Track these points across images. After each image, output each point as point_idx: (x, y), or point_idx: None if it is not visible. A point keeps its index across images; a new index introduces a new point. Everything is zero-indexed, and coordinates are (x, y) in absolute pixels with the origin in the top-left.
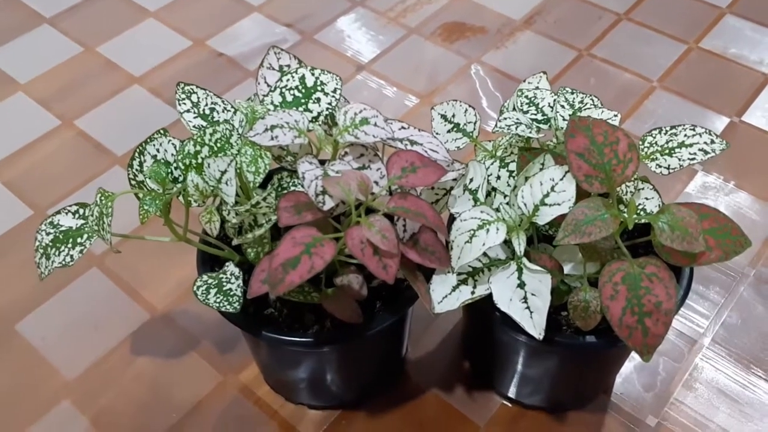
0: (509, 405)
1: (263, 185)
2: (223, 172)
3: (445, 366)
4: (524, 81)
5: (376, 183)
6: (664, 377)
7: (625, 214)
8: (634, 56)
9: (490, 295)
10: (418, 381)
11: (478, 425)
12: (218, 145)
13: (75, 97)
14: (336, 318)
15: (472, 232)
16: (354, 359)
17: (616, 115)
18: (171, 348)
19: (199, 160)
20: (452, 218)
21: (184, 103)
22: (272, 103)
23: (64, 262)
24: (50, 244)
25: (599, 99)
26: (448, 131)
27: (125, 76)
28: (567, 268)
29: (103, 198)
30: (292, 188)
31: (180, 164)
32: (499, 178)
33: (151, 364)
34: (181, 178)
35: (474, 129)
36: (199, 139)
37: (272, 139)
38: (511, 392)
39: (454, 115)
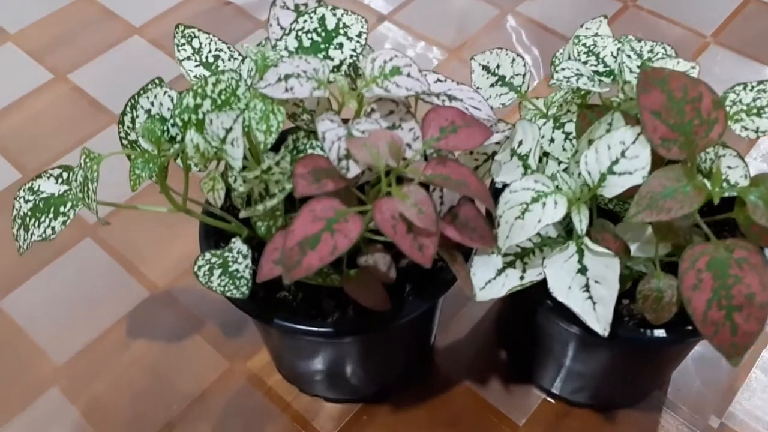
0: (552, 401)
1: (275, 148)
2: (228, 130)
3: (479, 355)
4: (581, 26)
5: (409, 146)
6: (729, 371)
7: (709, 186)
8: (686, 8)
9: (541, 282)
10: (448, 372)
11: (516, 423)
12: (222, 97)
13: (69, 48)
14: (359, 304)
15: (524, 206)
16: (378, 350)
17: (693, 67)
18: (172, 330)
19: (200, 116)
20: (494, 189)
21: (184, 49)
22: (286, 48)
23: (44, 235)
24: (29, 213)
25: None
26: (491, 85)
27: (124, 26)
28: (632, 249)
29: (88, 160)
30: (310, 151)
31: (177, 120)
32: (552, 141)
33: (150, 348)
34: (179, 138)
35: (523, 82)
36: (200, 91)
37: (287, 90)
38: (555, 387)
39: (498, 66)
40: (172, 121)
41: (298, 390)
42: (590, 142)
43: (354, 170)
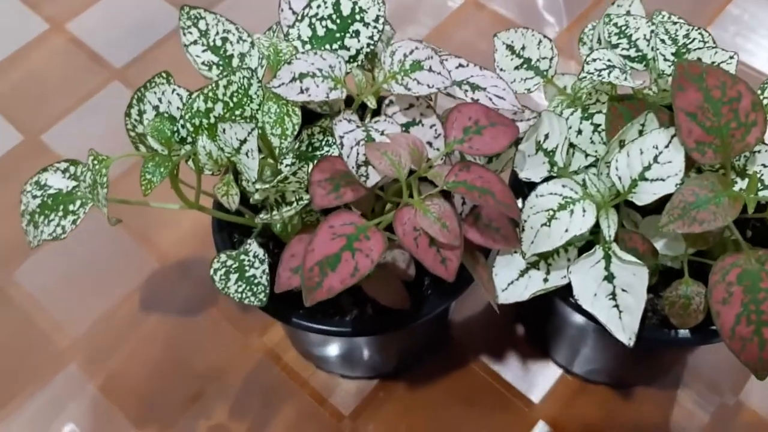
0: (569, 377)
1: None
2: (243, 141)
3: (496, 330)
4: (613, 4)
5: (430, 144)
6: None
7: (740, 191)
8: None
9: (566, 285)
10: (465, 347)
11: (532, 401)
12: (234, 99)
13: None
14: (378, 302)
15: (551, 212)
16: (396, 340)
17: (732, 57)
18: (186, 303)
19: (212, 120)
20: (516, 180)
21: (190, 32)
22: (299, 37)
23: (54, 234)
24: (37, 210)
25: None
26: (516, 68)
27: None
28: (659, 246)
29: (96, 162)
30: (326, 149)
31: (188, 124)
32: (580, 132)
33: (164, 323)
34: (189, 139)
35: (550, 67)
36: (210, 94)
37: (302, 92)
38: (570, 365)
39: (524, 47)
40: (182, 122)
41: (314, 366)
42: (621, 143)
43: (374, 178)
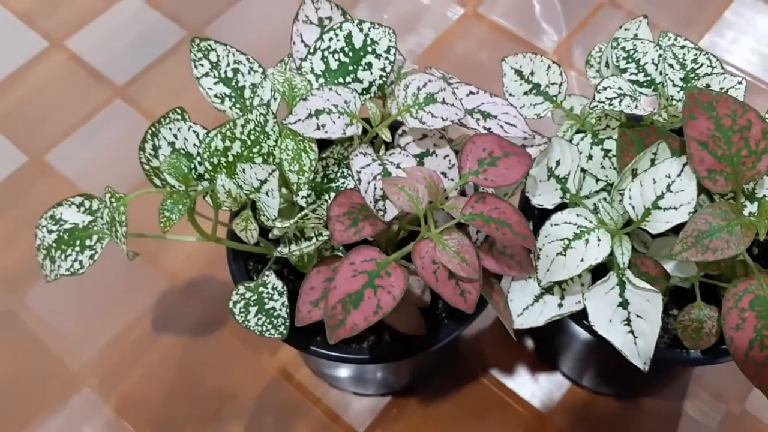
0: (577, 389)
1: None
2: (263, 182)
3: (504, 344)
4: (620, 28)
5: (444, 174)
6: None
7: (752, 215)
8: None
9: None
10: (474, 362)
11: (542, 413)
12: (252, 137)
13: (63, 10)
14: (395, 329)
15: (566, 242)
16: (411, 363)
17: (740, 82)
18: (196, 323)
19: (230, 158)
20: (527, 203)
21: (201, 65)
22: (312, 71)
23: (72, 270)
24: (54, 245)
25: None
26: (525, 93)
27: None
28: (669, 267)
29: (114, 200)
30: (341, 180)
31: (206, 163)
32: (590, 157)
33: (176, 343)
34: (207, 176)
35: (559, 92)
36: (228, 133)
37: (318, 128)
38: (580, 378)
39: (532, 73)
40: (199, 159)
41: (327, 384)
42: (634, 172)
43: (391, 212)
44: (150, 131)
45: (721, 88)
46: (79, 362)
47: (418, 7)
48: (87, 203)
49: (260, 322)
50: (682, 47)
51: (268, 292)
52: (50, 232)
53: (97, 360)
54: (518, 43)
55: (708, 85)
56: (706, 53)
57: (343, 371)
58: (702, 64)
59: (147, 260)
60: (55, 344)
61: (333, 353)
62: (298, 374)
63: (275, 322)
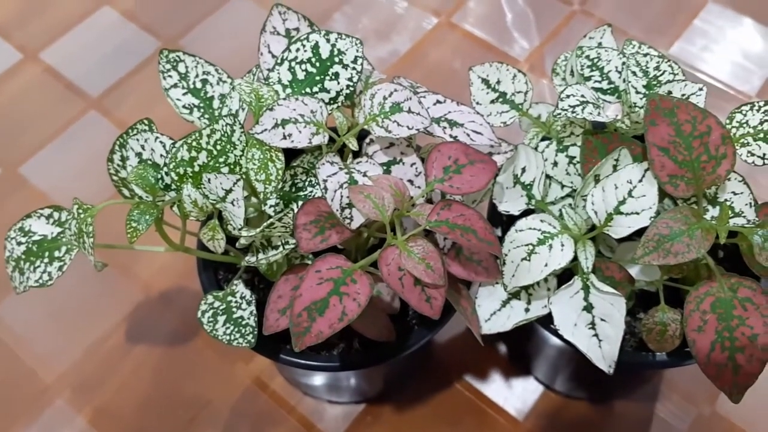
0: (551, 394)
1: None
2: (228, 191)
3: (478, 350)
4: (585, 36)
5: (411, 182)
6: None
7: (713, 219)
8: None
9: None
10: (448, 368)
11: (516, 418)
12: (218, 147)
13: (38, 22)
14: (365, 335)
15: (530, 247)
16: (383, 370)
17: (701, 89)
18: (171, 333)
19: (196, 168)
20: (495, 210)
21: (170, 76)
22: (279, 81)
23: (41, 281)
24: (23, 256)
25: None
26: (492, 101)
27: None
28: (634, 271)
29: (81, 211)
30: (309, 189)
31: (172, 174)
32: (555, 164)
33: (150, 354)
34: (173, 185)
35: (524, 101)
36: (194, 143)
37: (285, 138)
38: (553, 382)
39: (499, 82)
40: (165, 170)
41: (301, 392)
42: (596, 178)
43: (358, 220)
44: (118, 142)
45: (683, 95)
46: (53, 374)
47: (393, 17)
48: (56, 215)
49: (228, 331)
50: (645, 55)
51: (236, 302)
52: (19, 243)
53: (70, 371)
54: (491, 52)
55: (670, 92)
56: (669, 61)
57: (317, 379)
58: (664, 72)
59: (120, 271)
60: (28, 356)
61: (302, 361)
62: (273, 383)
63: (243, 331)
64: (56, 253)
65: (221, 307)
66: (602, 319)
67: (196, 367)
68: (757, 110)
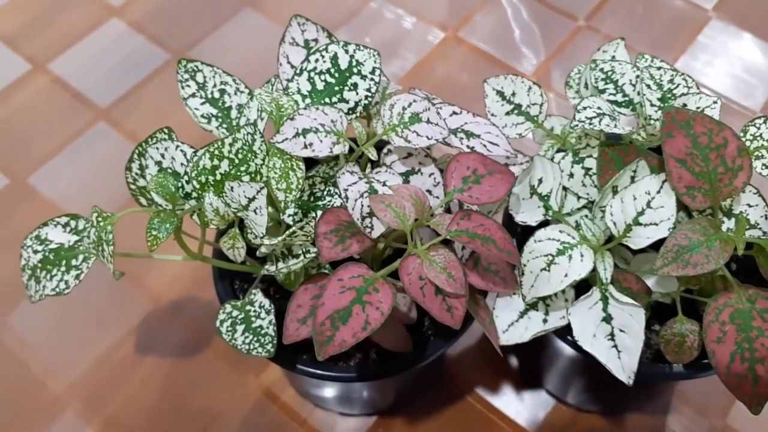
0: (562, 407)
1: None
2: (251, 199)
3: (489, 362)
4: (598, 50)
5: (429, 192)
6: None
7: (729, 231)
8: None
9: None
10: (460, 380)
11: (527, 430)
12: (240, 156)
13: (46, 34)
14: (381, 346)
15: (550, 257)
16: (397, 381)
17: (716, 102)
18: (180, 344)
19: (218, 177)
20: (510, 219)
21: (188, 85)
22: (299, 91)
23: (58, 290)
24: (39, 265)
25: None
26: (507, 113)
27: (101, 7)
28: (651, 282)
29: (100, 219)
30: (328, 198)
31: (194, 182)
32: (572, 176)
33: (160, 365)
34: (194, 194)
35: (540, 112)
36: (216, 152)
37: (306, 147)
38: (565, 395)
39: (514, 94)
40: (186, 178)
41: (312, 404)
42: (614, 189)
43: (378, 229)
44: (137, 151)
45: (698, 108)
46: (62, 385)
47: (399, 31)
48: (73, 223)
49: (247, 341)
50: (659, 68)
51: (255, 311)
52: (35, 252)
53: (80, 383)
54: (498, 66)
55: (685, 105)
56: (682, 74)
57: (329, 391)
58: (678, 85)
59: (131, 281)
60: (37, 367)
61: (320, 371)
62: (284, 395)
63: (262, 340)
64: (73, 262)
65: (240, 317)
66: (621, 330)
67: (206, 379)
68: None
